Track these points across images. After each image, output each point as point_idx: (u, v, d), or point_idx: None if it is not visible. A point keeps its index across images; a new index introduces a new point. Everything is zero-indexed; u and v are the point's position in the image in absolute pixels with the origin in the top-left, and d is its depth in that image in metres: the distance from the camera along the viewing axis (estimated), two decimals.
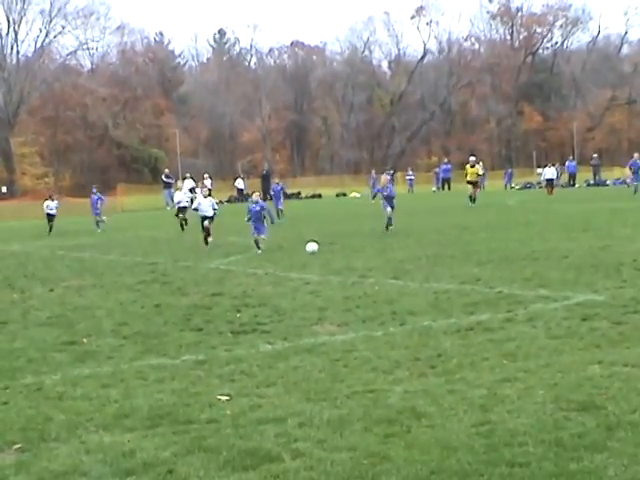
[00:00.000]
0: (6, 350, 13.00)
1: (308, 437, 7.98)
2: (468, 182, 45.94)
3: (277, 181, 46.90)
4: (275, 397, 9.49)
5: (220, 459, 7.47)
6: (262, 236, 26.25)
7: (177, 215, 40.49)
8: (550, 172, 61.49)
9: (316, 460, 7.32)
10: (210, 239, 29.36)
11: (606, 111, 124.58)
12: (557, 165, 74.13)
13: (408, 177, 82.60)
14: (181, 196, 42.29)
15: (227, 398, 9.51)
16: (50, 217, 43.43)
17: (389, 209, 30.81)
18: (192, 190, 72.17)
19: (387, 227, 30.71)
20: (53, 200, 44.76)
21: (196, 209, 30.72)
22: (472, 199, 44.82)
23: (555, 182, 63.00)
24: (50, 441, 8.30)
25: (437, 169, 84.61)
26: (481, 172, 48.68)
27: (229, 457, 7.49)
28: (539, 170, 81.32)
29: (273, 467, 7.21)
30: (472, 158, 47.38)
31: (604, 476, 6.61)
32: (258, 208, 26.67)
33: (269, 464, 7.29)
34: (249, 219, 26.65)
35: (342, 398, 9.28)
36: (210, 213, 30.26)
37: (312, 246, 23.94)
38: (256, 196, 28.30)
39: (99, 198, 44.48)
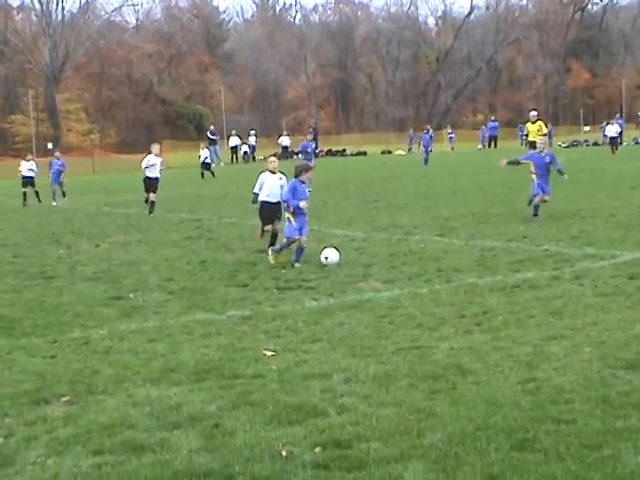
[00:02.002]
0: (54, 305, 13.13)
1: (354, 392, 7.99)
2: (530, 143, 36.82)
3: (310, 138, 39.81)
4: (320, 353, 9.51)
5: (266, 414, 7.50)
6: None
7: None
8: (613, 129, 57.98)
9: (362, 415, 7.33)
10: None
11: None
12: (619, 119, 72.47)
13: (449, 134, 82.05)
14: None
15: (273, 353, 9.55)
16: (27, 181, 36.62)
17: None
18: (234, 148, 72.49)
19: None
20: (28, 161, 37.78)
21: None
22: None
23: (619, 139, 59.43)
24: (97, 394, 8.38)
25: (483, 127, 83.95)
26: (545, 130, 39.01)
27: (275, 412, 7.52)
28: (586, 128, 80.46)
29: (319, 422, 7.23)
30: (533, 113, 39.33)
31: None
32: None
33: (315, 419, 7.31)
34: None
35: (387, 354, 9.29)
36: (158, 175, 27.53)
37: (331, 255, 15.59)
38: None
39: (62, 164, 38.21)
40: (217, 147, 70.17)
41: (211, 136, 70.03)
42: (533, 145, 34.03)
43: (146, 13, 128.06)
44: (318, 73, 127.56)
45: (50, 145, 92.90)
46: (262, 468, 6.31)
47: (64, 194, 36.57)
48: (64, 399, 8.25)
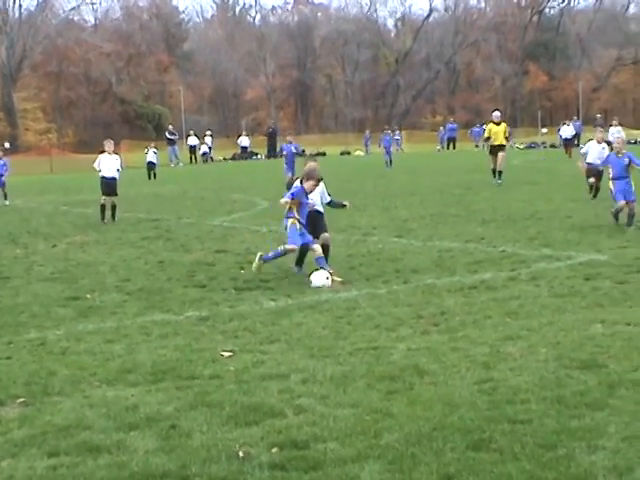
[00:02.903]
0: (9, 305, 13.02)
1: (311, 393, 8.00)
2: (491, 148, 32.30)
3: (289, 140, 36.20)
4: (278, 353, 9.51)
5: (223, 414, 7.49)
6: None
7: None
8: (568, 131, 57.53)
9: (319, 416, 7.34)
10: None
11: (612, 71, 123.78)
12: (576, 122, 72.92)
13: (395, 137, 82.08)
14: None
15: (230, 354, 9.53)
16: None
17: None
18: (193, 148, 72.30)
19: None
20: None
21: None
22: (495, 173, 32.14)
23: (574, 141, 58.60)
24: (53, 395, 8.32)
25: (441, 128, 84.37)
26: (507, 134, 33.91)
27: (232, 412, 7.51)
28: (544, 130, 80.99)
29: (276, 422, 7.23)
30: (497, 113, 33.44)
31: (605, 433, 6.63)
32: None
33: (272, 419, 7.31)
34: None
35: (345, 355, 9.30)
36: (116, 175, 25.50)
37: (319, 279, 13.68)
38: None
39: (4, 164, 35.61)
40: (176, 147, 70.06)
41: (170, 136, 69.91)
42: (496, 151, 31.73)
43: (105, 12, 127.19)
44: (277, 74, 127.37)
45: (7, 144, 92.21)
46: (219, 469, 6.30)
47: (5, 196, 34.59)
48: (19, 400, 8.17)
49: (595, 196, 23.77)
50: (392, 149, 53.28)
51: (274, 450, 6.61)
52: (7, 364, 9.56)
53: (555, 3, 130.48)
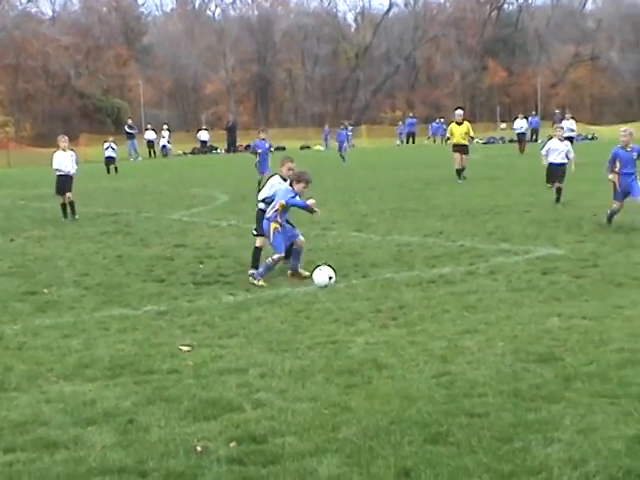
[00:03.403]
0: None
1: (269, 387, 8.01)
2: (454, 147, 31.73)
3: (263, 136, 30.22)
4: (237, 348, 9.51)
5: (181, 409, 7.48)
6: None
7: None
8: (520, 124, 54.53)
9: (277, 410, 7.36)
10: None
11: (569, 67, 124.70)
12: (534, 117, 73.51)
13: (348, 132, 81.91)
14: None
15: (189, 349, 9.52)
16: None
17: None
18: (150, 142, 71.95)
19: None
20: None
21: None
22: (460, 173, 31.24)
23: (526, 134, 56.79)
24: (10, 391, 8.26)
25: (400, 123, 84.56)
26: (472, 133, 32.99)
27: (190, 407, 7.51)
28: (502, 125, 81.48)
29: (234, 417, 7.23)
30: (459, 112, 32.63)
31: (560, 426, 6.69)
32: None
33: (230, 414, 7.31)
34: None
35: (304, 349, 9.32)
36: (72, 171, 24.22)
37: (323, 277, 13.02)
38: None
39: None
40: (135, 141, 69.61)
41: (129, 130, 69.48)
42: (460, 150, 31.15)
43: (63, 5, 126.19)
44: (237, 68, 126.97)
45: None
46: (177, 463, 6.29)
47: None
48: None
49: (558, 200, 22.24)
50: (346, 144, 52.22)
51: (232, 444, 6.61)
52: None
53: None
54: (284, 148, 74.43)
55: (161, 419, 7.24)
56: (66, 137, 24.78)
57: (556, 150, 22.76)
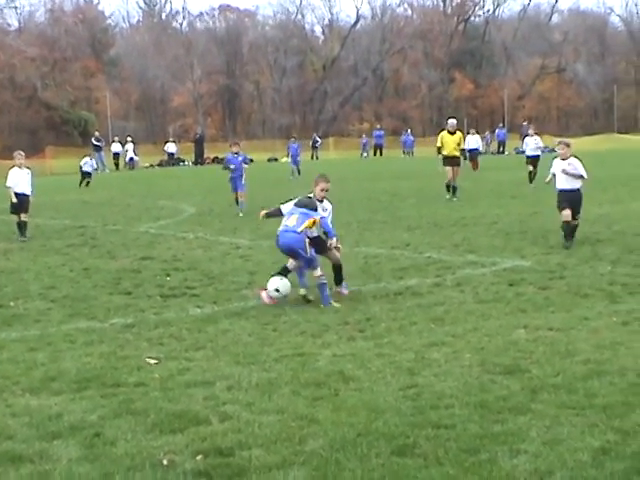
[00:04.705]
0: None
1: (236, 400, 8.00)
2: (445, 159, 28.72)
3: (236, 150, 27.80)
4: (204, 360, 9.49)
5: (148, 422, 7.45)
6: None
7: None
8: (473, 140, 48.01)
9: (244, 423, 7.34)
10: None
11: (536, 79, 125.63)
12: (487, 133, 74.46)
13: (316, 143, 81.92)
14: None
15: (156, 361, 9.49)
16: None
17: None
18: (116, 155, 71.70)
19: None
20: None
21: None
22: (450, 189, 28.55)
23: (481, 150, 53.73)
24: None
25: (364, 135, 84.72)
26: (464, 144, 30.29)
27: (157, 420, 7.48)
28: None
29: (201, 430, 7.21)
30: (452, 121, 29.54)
31: (527, 437, 6.73)
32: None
33: (197, 427, 7.29)
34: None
35: (271, 362, 9.32)
36: (28, 191, 22.83)
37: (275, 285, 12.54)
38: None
39: None
40: (102, 154, 69.29)
41: (96, 142, 69.20)
42: (451, 163, 28.31)
43: (29, 16, 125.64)
44: (205, 80, 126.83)
45: None
46: (143, 477, 6.28)
47: None
48: None
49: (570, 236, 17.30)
50: (299, 158, 51.27)
51: (199, 457, 6.60)
52: None
53: (481, 12, 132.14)
54: (252, 160, 74.30)
55: (127, 432, 7.21)
56: (22, 153, 23.49)
57: (561, 171, 17.90)
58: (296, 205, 13.49)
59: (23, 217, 22.40)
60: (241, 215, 24.92)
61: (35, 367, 9.47)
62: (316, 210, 13.38)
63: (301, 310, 11.97)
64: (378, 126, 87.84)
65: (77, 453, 6.80)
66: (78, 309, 12.73)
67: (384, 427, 7.08)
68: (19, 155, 23.20)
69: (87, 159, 47.71)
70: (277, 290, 12.45)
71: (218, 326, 11.21)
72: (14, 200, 22.54)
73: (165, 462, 6.51)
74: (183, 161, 77.31)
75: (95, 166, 49.60)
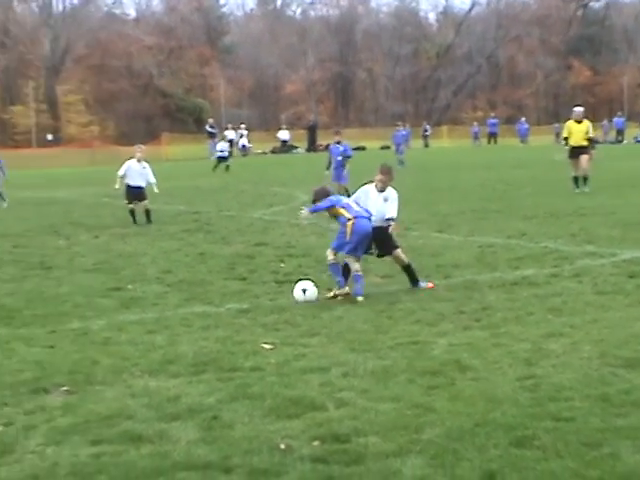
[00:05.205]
0: (53, 295, 13.13)
1: (352, 387, 7.98)
2: (572, 150, 26.82)
3: (337, 139, 27.13)
4: (319, 347, 9.50)
5: (265, 406, 7.49)
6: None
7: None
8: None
9: (360, 409, 7.33)
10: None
11: None
12: (604, 122, 72.81)
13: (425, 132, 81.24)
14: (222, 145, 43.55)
15: (271, 347, 9.54)
16: None
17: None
18: (230, 142, 72.42)
19: None
20: None
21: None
22: (578, 181, 26.73)
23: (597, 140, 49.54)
24: (96, 384, 8.37)
25: (475, 124, 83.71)
26: (592, 133, 27.64)
27: (273, 405, 7.52)
28: None
29: (317, 415, 7.22)
30: (579, 109, 27.32)
31: None
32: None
33: (313, 412, 7.31)
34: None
35: (386, 349, 9.28)
36: (143, 184, 23.14)
37: (296, 291, 12.21)
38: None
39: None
40: (216, 141, 70.08)
41: (210, 129, 69.98)
42: (578, 153, 26.58)
43: (146, 6, 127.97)
44: (318, 67, 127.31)
45: (50, 137, 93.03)
46: (260, 461, 6.30)
47: (2, 196, 30.11)
48: (63, 389, 8.24)
49: None
50: (403, 147, 48.54)
51: (315, 443, 6.60)
52: (50, 353, 9.64)
53: None
54: (364, 148, 74.48)
55: (244, 416, 7.27)
56: (142, 147, 24.00)
57: None
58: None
59: (144, 204, 22.85)
60: None
61: (153, 349, 9.62)
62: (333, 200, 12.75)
63: (416, 299, 11.89)
64: (492, 114, 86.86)
65: (195, 435, 6.88)
66: (194, 293, 12.89)
67: (502, 418, 6.98)
68: (138, 148, 23.68)
69: (223, 143, 48.26)
70: (304, 291, 12.13)
71: (332, 313, 11.22)
72: (116, 186, 23.23)
73: (282, 446, 6.53)
74: (296, 148, 77.70)
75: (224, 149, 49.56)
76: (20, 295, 13.20)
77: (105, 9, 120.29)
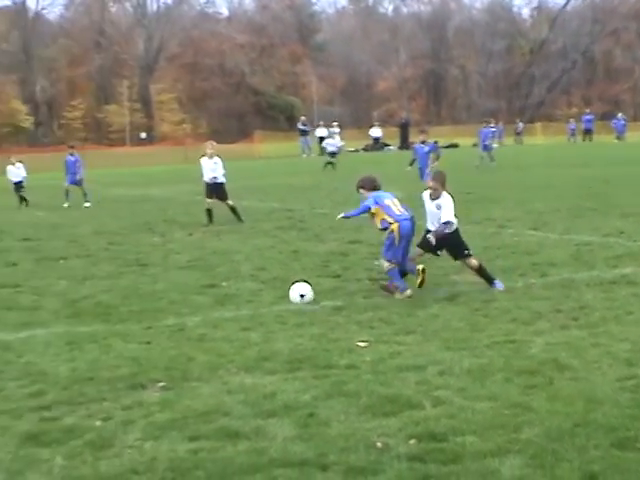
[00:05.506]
0: (148, 292, 13.30)
1: (448, 385, 7.93)
2: None
3: (422, 139, 27.36)
4: (414, 345, 9.45)
5: (360, 404, 7.48)
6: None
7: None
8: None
9: (457, 408, 7.27)
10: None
11: None
12: None
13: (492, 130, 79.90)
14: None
15: (366, 344, 9.52)
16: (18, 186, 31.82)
17: None
18: (322, 139, 72.55)
19: None
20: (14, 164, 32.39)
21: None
22: None
23: None
24: (192, 381, 8.45)
25: (571, 120, 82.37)
26: None
27: (369, 403, 7.50)
28: None
29: (414, 414, 7.18)
30: None
31: None
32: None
33: (410, 411, 7.27)
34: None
35: (482, 348, 9.19)
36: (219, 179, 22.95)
37: (293, 295, 12.19)
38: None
39: (76, 159, 31.83)
40: (308, 138, 70.37)
41: (302, 127, 70.26)
42: None
43: (238, 4, 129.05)
44: (410, 64, 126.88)
45: (143, 135, 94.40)
46: (357, 459, 6.29)
47: (85, 196, 30.56)
48: (160, 384, 8.34)
49: None
50: (490, 143, 46.00)
51: (412, 442, 6.57)
52: (147, 349, 9.76)
53: None
54: (457, 145, 74.05)
55: (340, 414, 7.26)
56: (214, 144, 23.90)
57: None
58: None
59: (227, 204, 22.76)
60: None
61: (249, 346, 9.67)
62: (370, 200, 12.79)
63: (512, 297, 11.75)
64: (587, 110, 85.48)
65: (292, 432, 6.90)
66: (288, 291, 12.91)
67: (602, 418, 6.85)
68: (210, 145, 23.56)
69: (330, 140, 48.47)
70: (302, 296, 12.06)
71: (427, 311, 11.15)
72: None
73: (379, 445, 6.51)
74: (388, 145, 77.51)
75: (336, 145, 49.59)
76: (116, 292, 13.40)
77: (198, 8, 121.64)
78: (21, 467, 6.51)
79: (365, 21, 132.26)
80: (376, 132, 78.07)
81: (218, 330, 10.54)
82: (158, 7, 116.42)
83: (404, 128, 78.03)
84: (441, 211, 12.43)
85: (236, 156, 60.43)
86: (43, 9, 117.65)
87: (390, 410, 7.29)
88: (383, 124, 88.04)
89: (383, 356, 8.99)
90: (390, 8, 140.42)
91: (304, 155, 67.95)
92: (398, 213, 12.49)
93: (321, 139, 72.28)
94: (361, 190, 13.07)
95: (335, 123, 73.76)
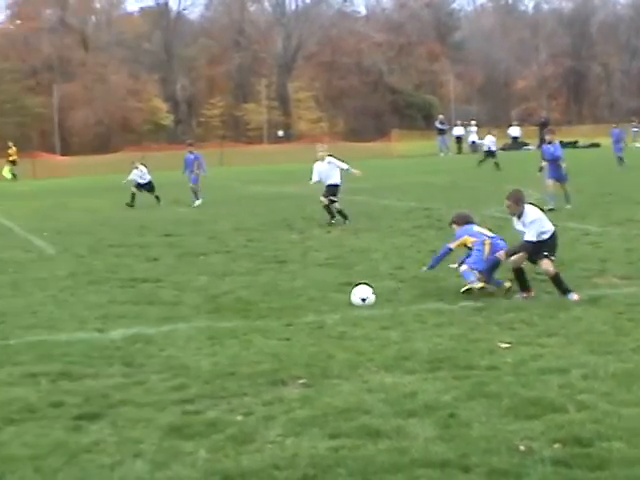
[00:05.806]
0: (287, 288, 13.41)
1: (593, 389, 7.76)
2: None
3: (549, 139, 25.60)
4: (557, 347, 9.29)
5: (502, 406, 7.39)
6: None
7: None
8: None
9: (602, 413, 7.11)
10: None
11: None
12: None
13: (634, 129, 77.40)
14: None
15: (507, 346, 9.40)
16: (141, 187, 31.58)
17: None
18: (459, 138, 71.94)
19: None
20: (137, 167, 31.81)
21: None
22: None
23: None
24: (332, 378, 8.48)
25: None
26: None
27: (511, 405, 7.40)
28: None
29: (557, 418, 7.05)
30: None
31: None
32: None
33: (553, 414, 7.14)
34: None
35: (628, 352, 8.97)
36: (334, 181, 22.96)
37: (355, 299, 12.06)
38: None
39: (196, 157, 31.51)
40: (446, 137, 69.94)
41: (440, 126, 69.88)
42: None
43: (376, 2, 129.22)
44: (550, 62, 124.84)
45: (281, 133, 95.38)
46: (500, 461, 6.21)
47: (196, 195, 30.47)
48: (300, 381, 8.40)
49: None
50: (622, 144, 43.12)
51: (556, 446, 6.46)
52: (287, 345, 9.84)
53: None
54: (598, 145, 72.50)
55: (482, 415, 7.19)
56: (325, 146, 23.94)
57: None
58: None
59: (336, 204, 22.75)
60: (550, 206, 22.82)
61: (388, 345, 9.66)
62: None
63: None
64: None
65: (432, 432, 6.86)
66: (427, 290, 12.86)
67: None
68: (321, 148, 23.66)
69: (490, 137, 48.16)
70: (363, 300, 11.96)
71: (570, 313, 10.93)
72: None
73: (522, 448, 6.42)
74: (527, 145, 76.41)
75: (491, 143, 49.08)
76: (256, 288, 13.55)
77: (336, 7, 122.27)
78: (166, 459, 6.64)
79: (504, 18, 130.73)
80: (515, 131, 77.00)
81: (357, 328, 10.55)
82: (297, 6, 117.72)
83: (543, 127, 76.75)
84: (526, 229, 12.16)
85: (373, 155, 60.60)
86: (184, 9, 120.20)
87: (533, 413, 7.18)
88: (522, 123, 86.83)
89: (525, 358, 8.86)
90: (531, 5, 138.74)
91: (441, 154, 67.55)
92: (491, 235, 12.79)
93: (458, 138, 71.79)
94: (453, 225, 13.30)
95: (473, 122, 73.12)
